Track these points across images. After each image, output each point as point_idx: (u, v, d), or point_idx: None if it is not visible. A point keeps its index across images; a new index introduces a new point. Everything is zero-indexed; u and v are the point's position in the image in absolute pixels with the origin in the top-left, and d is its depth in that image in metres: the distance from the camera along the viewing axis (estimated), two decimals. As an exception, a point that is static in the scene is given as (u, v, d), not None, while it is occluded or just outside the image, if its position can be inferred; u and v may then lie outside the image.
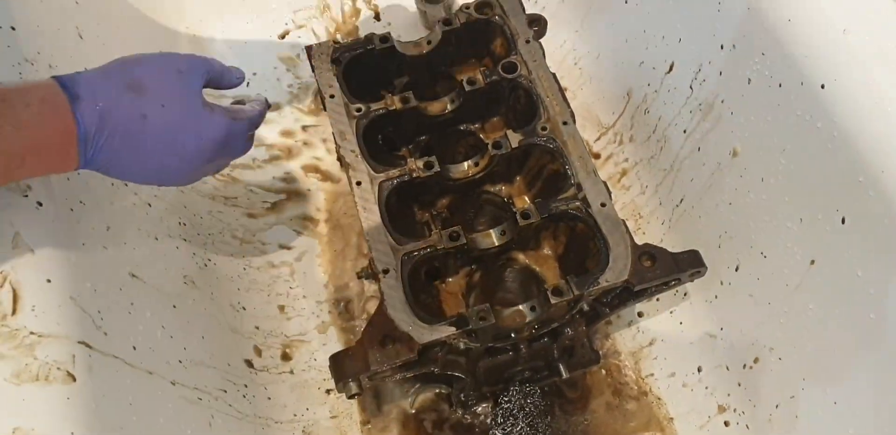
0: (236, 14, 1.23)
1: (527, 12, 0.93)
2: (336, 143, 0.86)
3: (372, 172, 0.84)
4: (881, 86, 0.66)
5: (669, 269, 0.77)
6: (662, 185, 1.00)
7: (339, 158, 0.86)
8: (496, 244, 0.81)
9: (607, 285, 0.76)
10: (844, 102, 0.69)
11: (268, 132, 1.16)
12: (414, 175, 0.83)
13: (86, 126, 0.61)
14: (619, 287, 0.79)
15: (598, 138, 1.11)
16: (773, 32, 0.76)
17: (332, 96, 0.89)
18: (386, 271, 0.78)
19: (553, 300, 0.75)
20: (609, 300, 0.86)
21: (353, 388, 0.77)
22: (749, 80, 0.81)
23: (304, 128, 1.18)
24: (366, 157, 0.85)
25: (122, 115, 0.63)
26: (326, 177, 1.14)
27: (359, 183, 0.84)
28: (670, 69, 0.97)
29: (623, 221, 0.79)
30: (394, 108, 0.87)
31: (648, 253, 0.78)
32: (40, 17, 0.83)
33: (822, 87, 0.70)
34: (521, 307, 0.77)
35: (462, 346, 0.80)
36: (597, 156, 1.11)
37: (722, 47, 0.85)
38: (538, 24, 0.92)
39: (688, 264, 0.78)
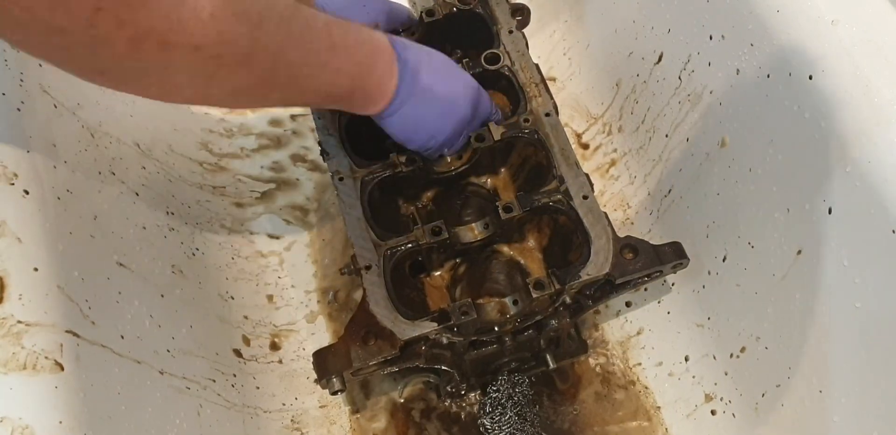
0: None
1: (511, 1, 0.92)
2: (319, 137, 0.86)
3: (354, 168, 0.84)
4: (869, 77, 0.66)
5: (651, 261, 0.77)
6: (651, 175, 1.00)
7: (322, 153, 0.86)
8: (479, 238, 0.81)
9: (588, 279, 0.76)
10: (832, 93, 0.69)
11: (256, 121, 1.16)
12: (396, 169, 0.83)
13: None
14: (601, 280, 0.78)
15: (587, 129, 1.11)
16: (762, 23, 0.76)
17: None
18: (368, 268, 0.78)
19: (535, 294, 0.75)
20: (592, 293, 0.86)
21: (337, 384, 0.77)
22: (737, 70, 0.81)
23: (293, 117, 1.17)
24: (348, 153, 0.85)
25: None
26: (315, 166, 1.13)
27: (341, 178, 0.83)
28: (659, 60, 0.97)
29: (605, 213, 0.79)
30: None
31: (630, 245, 0.78)
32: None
33: (811, 77, 0.71)
34: (502, 301, 0.77)
35: (445, 340, 0.80)
36: (585, 146, 1.11)
37: (711, 38, 0.85)
38: (522, 14, 0.91)
39: (670, 256, 0.78)
